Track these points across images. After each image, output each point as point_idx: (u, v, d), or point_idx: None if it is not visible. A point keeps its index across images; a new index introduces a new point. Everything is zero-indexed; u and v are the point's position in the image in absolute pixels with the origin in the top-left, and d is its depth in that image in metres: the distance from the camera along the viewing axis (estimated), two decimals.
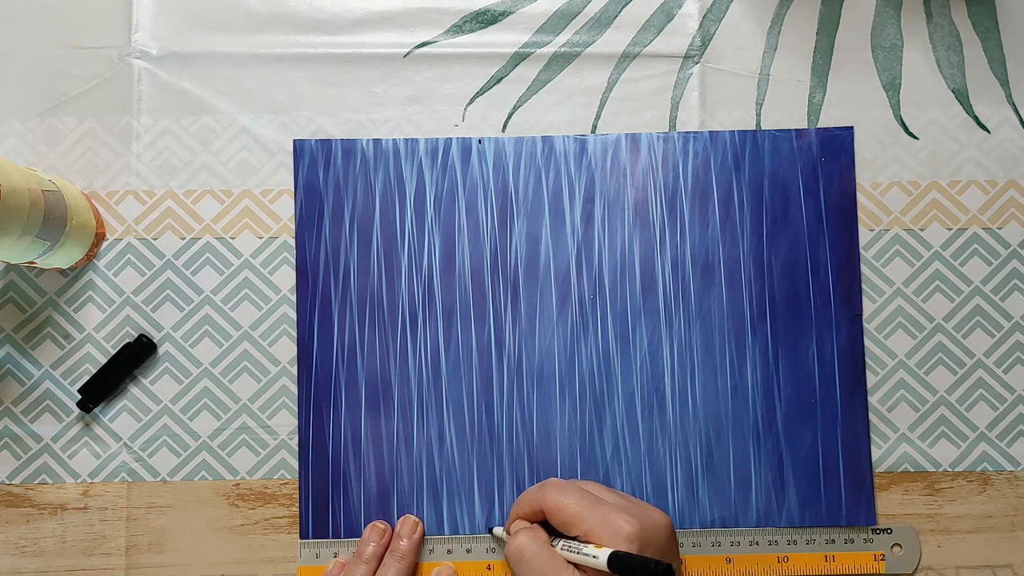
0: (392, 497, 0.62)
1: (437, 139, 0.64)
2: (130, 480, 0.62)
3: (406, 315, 0.63)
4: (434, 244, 0.63)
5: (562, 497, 0.55)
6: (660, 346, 0.62)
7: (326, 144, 0.64)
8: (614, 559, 0.51)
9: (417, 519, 0.61)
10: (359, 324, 0.63)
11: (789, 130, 0.64)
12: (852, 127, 0.64)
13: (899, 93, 0.64)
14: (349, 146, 0.64)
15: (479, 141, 0.64)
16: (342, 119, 0.64)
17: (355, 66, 0.65)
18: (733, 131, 0.64)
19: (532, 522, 0.57)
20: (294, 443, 0.62)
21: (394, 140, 0.64)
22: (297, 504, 0.62)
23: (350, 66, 0.65)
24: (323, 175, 0.63)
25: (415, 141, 0.64)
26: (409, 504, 0.62)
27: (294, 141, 0.64)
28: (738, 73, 0.65)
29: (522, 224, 0.63)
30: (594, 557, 0.52)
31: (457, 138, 0.64)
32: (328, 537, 0.61)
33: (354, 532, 0.61)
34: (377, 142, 0.64)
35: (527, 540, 0.55)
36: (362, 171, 0.64)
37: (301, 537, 0.61)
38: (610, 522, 0.52)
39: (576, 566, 0.53)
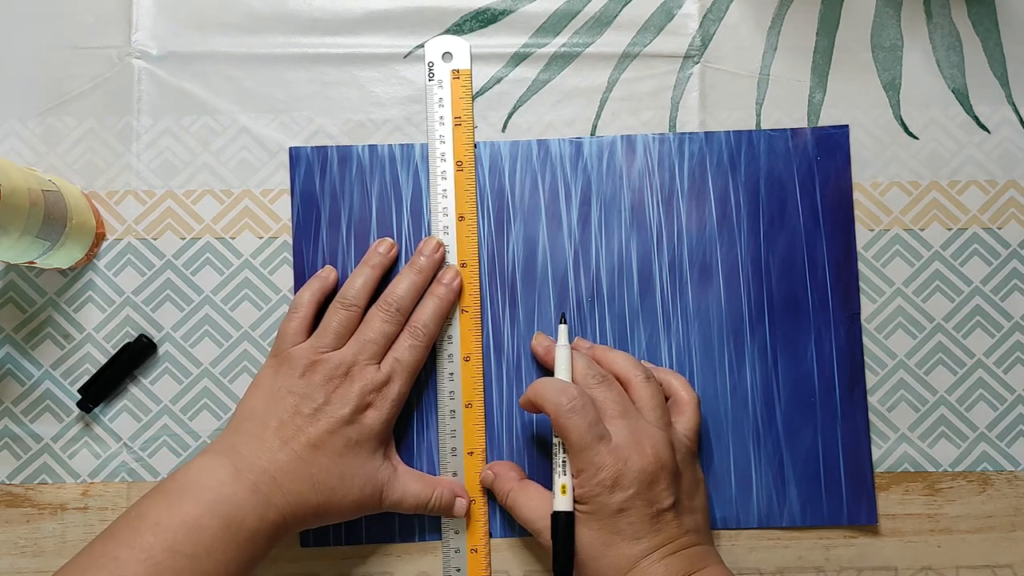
0: None
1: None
2: (130, 480, 0.62)
3: None
4: None
5: (571, 420, 0.54)
6: (658, 347, 0.62)
7: (322, 151, 0.64)
8: (555, 519, 0.55)
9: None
10: None
11: (785, 129, 0.64)
12: (847, 125, 0.64)
13: (899, 93, 0.64)
14: (345, 152, 0.64)
15: (475, 145, 0.63)
16: (342, 119, 0.64)
17: (355, 66, 0.65)
18: (729, 131, 0.64)
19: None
20: None
21: (389, 146, 0.64)
22: None
23: (350, 66, 0.65)
24: (319, 182, 0.63)
25: (411, 146, 0.64)
26: None
27: (290, 149, 0.64)
28: (738, 73, 0.65)
29: (519, 227, 0.63)
30: (554, 496, 0.55)
31: None
32: (329, 544, 0.61)
33: (355, 537, 0.61)
34: (373, 148, 0.64)
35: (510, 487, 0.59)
36: (358, 177, 0.63)
37: (302, 545, 0.61)
38: (593, 462, 0.54)
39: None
